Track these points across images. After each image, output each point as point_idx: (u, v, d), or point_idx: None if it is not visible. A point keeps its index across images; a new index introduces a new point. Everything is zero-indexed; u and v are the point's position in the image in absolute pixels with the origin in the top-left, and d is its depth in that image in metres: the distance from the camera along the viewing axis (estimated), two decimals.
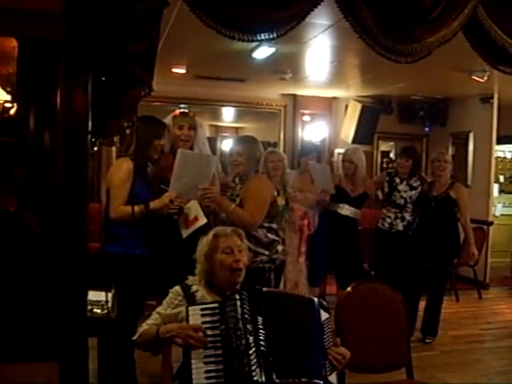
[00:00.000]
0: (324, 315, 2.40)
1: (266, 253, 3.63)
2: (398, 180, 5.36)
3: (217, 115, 9.50)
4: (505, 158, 9.70)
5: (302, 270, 5.19)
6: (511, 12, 2.70)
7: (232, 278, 2.47)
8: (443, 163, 5.22)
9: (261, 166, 3.98)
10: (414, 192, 5.30)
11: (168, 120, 3.80)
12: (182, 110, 3.96)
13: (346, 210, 5.26)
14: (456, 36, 2.66)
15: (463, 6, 2.53)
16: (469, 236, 5.24)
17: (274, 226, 3.77)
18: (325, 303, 2.48)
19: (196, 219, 3.56)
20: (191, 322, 2.24)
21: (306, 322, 2.35)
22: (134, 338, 2.44)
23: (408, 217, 5.30)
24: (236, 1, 2.18)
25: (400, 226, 5.29)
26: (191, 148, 3.81)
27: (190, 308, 2.28)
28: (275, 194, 3.88)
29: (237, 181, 3.75)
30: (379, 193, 5.55)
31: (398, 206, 5.30)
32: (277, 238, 3.77)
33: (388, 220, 5.35)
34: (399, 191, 5.31)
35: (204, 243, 2.57)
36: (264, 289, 2.42)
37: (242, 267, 2.48)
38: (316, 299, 2.47)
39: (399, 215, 5.30)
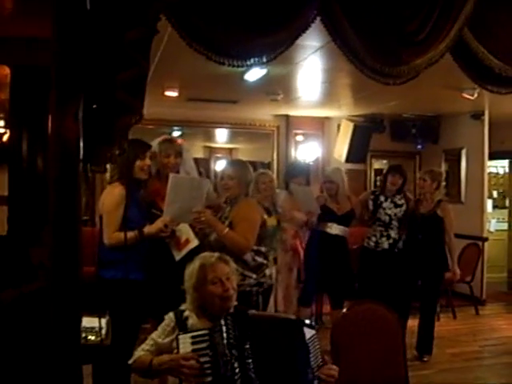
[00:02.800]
0: (309, 333, 2.36)
1: (254, 276, 3.62)
2: (382, 198, 5.44)
3: (210, 136, 9.54)
4: (497, 173, 9.75)
5: (290, 287, 5.18)
6: (497, 33, 2.74)
7: (224, 305, 2.46)
8: (421, 181, 5.32)
9: (251, 187, 3.99)
10: (398, 209, 5.37)
11: (154, 146, 3.81)
12: (167, 137, 3.96)
13: (334, 228, 5.28)
14: (445, 55, 2.70)
15: (449, 27, 2.57)
16: (452, 255, 5.28)
17: (263, 249, 3.77)
18: (308, 321, 2.48)
19: (187, 241, 3.56)
20: (181, 350, 2.25)
21: (290, 343, 2.31)
22: (130, 361, 2.44)
23: (393, 234, 5.36)
24: (225, 27, 2.21)
25: (385, 244, 5.35)
26: (178, 173, 3.82)
27: (180, 337, 2.29)
28: (265, 216, 3.90)
29: (226, 206, 3.76)
30: (364, 212, 5.58)
31: (383, 224, 5.37)
32: (265, 262, 3.77)
33: (373, 238, 5.42)
34: (384, 208, 5.38)
35: (191, 274, 2.55)
36: (249, 312, 2.42)
37: (232, 294, 2.48)
38: (298, 318, 2.46)
39: (384, 233, 5.37)
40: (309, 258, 5.39)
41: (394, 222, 5.34)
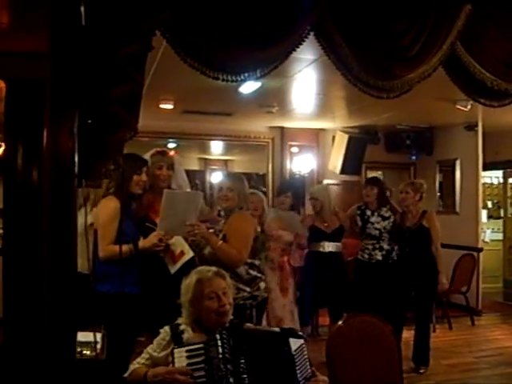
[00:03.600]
0: (296, 343, 2.37)
1: (248, 289, 3.62)
2: (369, 212, 5.45)
3: (205, 148, 9.54)
4: (492, 183, 9.79)
5: (285, 306, 5.16)
6: (489, 47, 2.77)
7: (219, 320, 2.45)
8: (404, 194, 5.30)
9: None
10: (386, 222, 5.38)
11: (146, 158, 3.82)
12: (159, 150, 3.98)
13: (327, 246, 5.33)
14: (437, 69, 2.73)
15: (442, 42, 2.60)
16: (439, 265, 5.25)
17: (257, 262, 3.78)
18: (296, 331, 2.48)
19: (182, 253, 3.56)
20: (177, 364, 2.25)
21: (276, 355, 2.33)
22: (125, 375, 2.44)
23: (386, 246, 5.37)
24: (219, 43, 2.23)
25: (379, 256, 5.36)
26: (169, 186, 3.84)
27: (176, 351, 2.29)
28: (258, 229, 3.90)
29: (222, 214, 3.77)
30: (354, 226, 5.61)
31: (374, 237, 5.39)
32: (259, 275, 3.77)
33: (367, 251, 5.43)
34: (372, 223, 5.41)
35: (187, 288, 2.54)
36: (245, 326, 2.42)
37: (228, 309, 2.48)
38: (284, 329, 2.46)
39: (377, 245, 5.38)
40: (305, 280, 5.41)
41: (385, 234, 5.37)
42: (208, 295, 2.47)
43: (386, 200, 5.53)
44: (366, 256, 5.41)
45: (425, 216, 5.26)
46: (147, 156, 3.86)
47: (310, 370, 2.36)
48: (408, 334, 5.35)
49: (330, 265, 5.26)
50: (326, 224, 5.37)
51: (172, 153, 4.02)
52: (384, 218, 5.39)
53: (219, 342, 2.25)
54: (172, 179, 3.90)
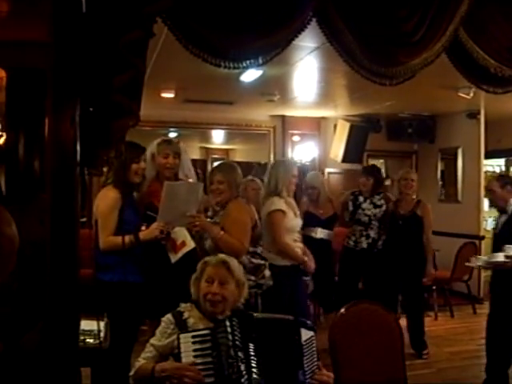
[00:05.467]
0: (307, 334, 2.36)
1: (252, 278, 3.62)
2: (361, 198, 5.50)
3: (207, 138, 9.54)
4: (494, 172, 9.75)
5: None
6: (492, 33, 2.75)
7: (212, 308, 2.43)
8: (410, 181, 5.33)
9: (240, 191, 3.98)
10: (378, 210, 5.42)
11: (153, 147, 3.81)
12: (165, 138, 3.96)
13: (319, 233, 5.37)
14: (440, 55, 2.71)
15: (445, 28, 2.57)
16: (428, 255, 5.28)
17: (259, 250, 3.78)
18: (308, 322, 2.46)
19: (184, 244, 3.56)
20: (182, 349, 2.23)
21: (287, 344, 2.32)
22: (131, 373, 2.42)
23: (373, 234, 5.41)
24: (221, 30, 2.21)
25: (364, 244, 5.41)
26: (176, 174, 3.83)
27: (181, 336, 2.27)
28: (256, 217, 3.89)
29: (217, 208, 3.74)
30: (345, 214, 5.66)
31: (363, 224, 5.43)
32: (262, 262, 3.78)
33: (353, 238, 5.49)
34: (363, 209, 5.45)
35: (197, 267, 2.58)
36: (255, 314, 2.41)
37: (218, 300, 2.43)
38: (296, 319, 2.43)
39: (364, 233, 5.43)
40: None
41: (374, 222, 5.41)
42: (206, 278, 2.48)
43: (381, 188, 5.57)
44: (352, 243, 5.47)
45: (419, 205, 5.28)
46: (153, 145, 3.84)
47: (316, 364, 2.35)
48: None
49: (318, 253, 5.26)
50: (321, 211, 5.41)
51: (177, 141, 3.99)
52: (376, 206, 5.43)
53: (229, 329, 2.24)
54: (179, 169, 3.87)
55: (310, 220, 5.30)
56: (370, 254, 5.40)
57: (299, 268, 4.26)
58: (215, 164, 9.49)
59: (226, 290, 2.46)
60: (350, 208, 5.52)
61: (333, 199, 5.63)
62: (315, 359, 2.34)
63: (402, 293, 5.50)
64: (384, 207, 5.43)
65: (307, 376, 2.28)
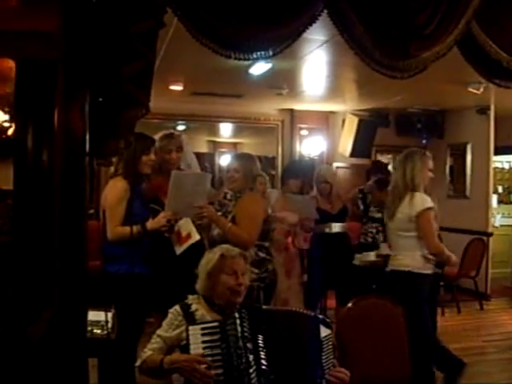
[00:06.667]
0: (325, 331, 2.37)
1: (256, 271, 3.60)
2: (370, 197, 5.50)
3: (214, 131, 9.52)
4: (503, 168, 9.70)
5: (290, 289, 5.16)
6: (505, 26, 2.72)
7: (232, 298, 2.45)
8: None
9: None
10: None
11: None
12: (166, 132, 3.92)
13: (333, 227, 5.33)
14: (452, 48, 2.68)
15: (457, 21, 2.55)
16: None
17: (266, 244, 3.77)
18: (328, 320, 2.46)
19: (189, 236, 3.54)
20: (192, 341, 2.23)
21: (305, 338, 2.33)
22: (137, 364, 2.42)
23: None
24: (231, 20, 2.19)
25: (382, 238, 5.31)
26: (178, 166, 3.82)
27: (190, 328, 2.27)
28: (268, 211, 3.89)
29: (229, 197, 3.75)
30: (355, 210, 5.65)
31: (378, 220, 5.38)
32: (268, 257, 3.77)
33: (370, 235, 5.48)
34: (375, 206, 5.44)
35: (209, 260, 2.55)
36: (264, 307, 2.41)
37: (242, 290, 2.48)
38: (316, 315, 2.46)
39: (380, 228, 5.37)
40: (312, 262, 5.41)
41: None
42: (228, 271, 2.48)
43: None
44: (370, 239, 5.43)
45: None
46: (155, 140, 3.83)
47: (332, 361, 2.35)
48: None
49: (336, 246, 5.25)
50: (330, 205, 5.37)
51: (177, 133, 3.97)
52: None
53: (238, 321, 2.25)
54: (181, 160, 3.87)
55: (320, 216, 5.27)
56: None
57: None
58: (223, 158, 9.59)
59: (246, 280, 2.52)
60: (361, 206, 5.51)
61: (341, 194, 5.59)
62: (332, 357, 2.36)
63: None
64: None
65: (325, 372, 2.29)
